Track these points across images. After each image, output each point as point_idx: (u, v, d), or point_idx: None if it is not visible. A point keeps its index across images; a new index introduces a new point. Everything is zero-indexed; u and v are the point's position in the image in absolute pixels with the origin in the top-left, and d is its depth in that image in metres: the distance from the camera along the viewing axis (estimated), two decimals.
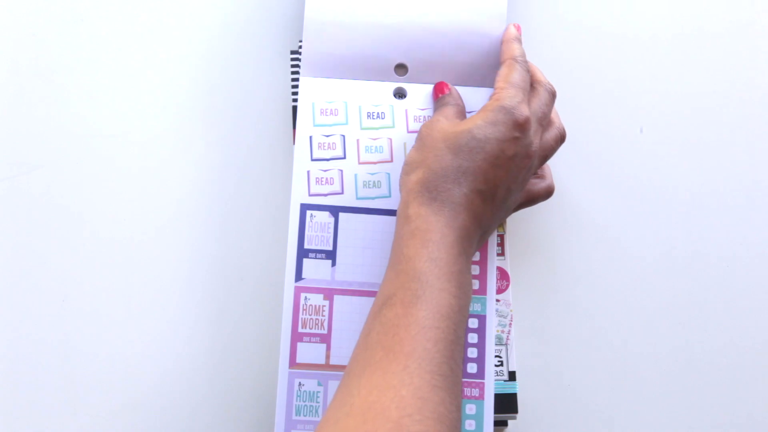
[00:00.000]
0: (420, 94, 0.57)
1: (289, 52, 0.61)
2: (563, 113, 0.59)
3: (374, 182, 0.55)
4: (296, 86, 0.58)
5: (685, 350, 0.60)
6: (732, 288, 0.61)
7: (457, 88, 0.56)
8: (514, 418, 0.56)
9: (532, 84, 0.54)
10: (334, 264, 0.54)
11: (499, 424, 0.57)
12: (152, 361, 0.59)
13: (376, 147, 0.55)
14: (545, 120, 0.53)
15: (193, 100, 0.61)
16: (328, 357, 0.52)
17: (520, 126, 0.49)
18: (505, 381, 0.56)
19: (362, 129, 0.56)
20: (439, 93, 0.56)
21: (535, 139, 0.51)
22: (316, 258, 0.54)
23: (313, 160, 0.55)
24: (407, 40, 0.57)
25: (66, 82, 0.61)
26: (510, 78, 0.52)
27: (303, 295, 0.53)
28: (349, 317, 0.53)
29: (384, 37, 0.57)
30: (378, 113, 0.56)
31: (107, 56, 0.62)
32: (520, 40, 0.55)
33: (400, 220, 0.49)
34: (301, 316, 0.53)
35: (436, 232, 0.47)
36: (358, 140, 0.56)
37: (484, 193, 0.49)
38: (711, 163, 0.62)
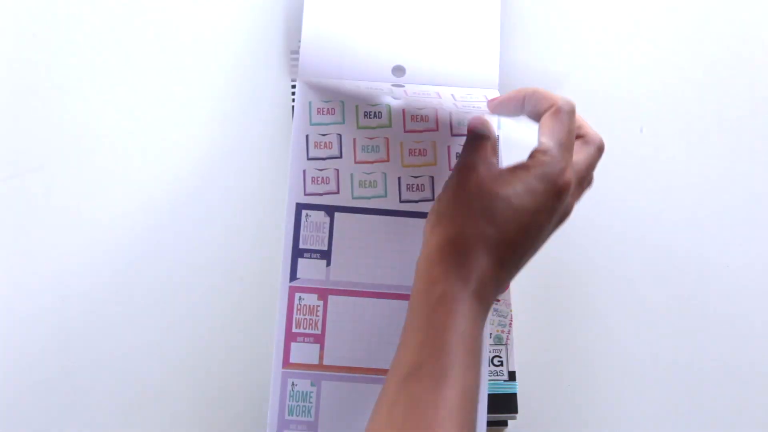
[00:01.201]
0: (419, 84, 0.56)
1: (289, 52, 0.61)
2: None
3: (370, 182, 0.55)
4: (296, 86, 0.58)
5: (685, 350, 0.60)
6: (732, 288, 0.61)
7: (455, 89, 0.56)
8: (514, 418, 0.56)
9: (580, 136, 0.50)
10: (329, 264, 0.54)
11: (499, 424, 0.57)
12: (148, 361, 0.59)
13: (372, 146, 0.55)
14: (588, 181, 0.49)
15: (193, 100, 0.61)
16: (321, 357, 0.52)
17: (560, 193, 0.46)
18: (505, 381, 0.56)
19: (359, 128, 0.56)
20: (474, 127, 0.51)
21: (573, 200, 0.48)
22: (311, 258, 0.54)
23: (309, 159, 0.55)
24: (405, 42, 0.57)
25: (66, 82, 0.61)
26: (556, 134, 0.46)
27: (297, 294, 0.53)
28: (343, 317, 0.53)
29: (382, 38, 0.57)
30: (375, 113, 0.56)
31: (107, 56, 0.62)
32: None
33: (423, 277, 0.47)
34: (295, 316, 0.53)
35: (464, 303, 0.45)
36: (354, 140, 0.56)
37: (509, 262, 0.46)
38: (711, 163, 0.62)
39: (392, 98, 0.56)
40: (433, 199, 0.54)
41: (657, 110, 0.63)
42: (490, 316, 0.55)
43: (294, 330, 0.53)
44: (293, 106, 0.57)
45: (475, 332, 0.45)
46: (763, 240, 0.62)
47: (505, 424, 0.57)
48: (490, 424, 0.54)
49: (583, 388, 0.60)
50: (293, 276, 0.53)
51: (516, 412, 0.56)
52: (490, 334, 0.56)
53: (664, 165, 0.62)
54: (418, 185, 0.55)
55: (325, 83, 0.56)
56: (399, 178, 0.55)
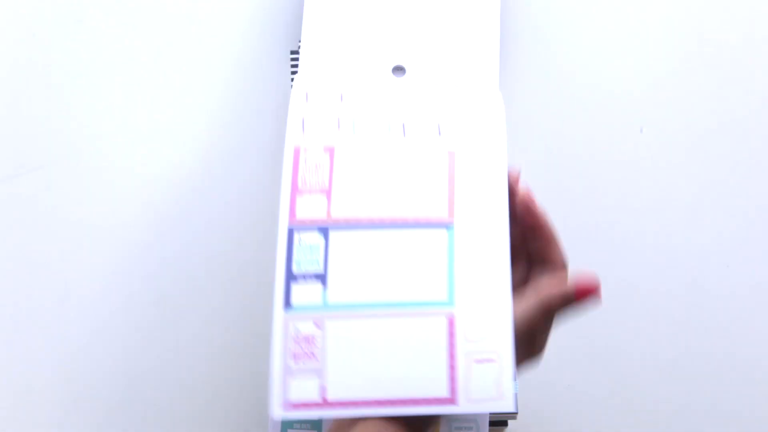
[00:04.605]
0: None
1: (289, 52, 0.62)
2: (564, 113, 0.59)
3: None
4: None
5: (685, 350, 0.60)
6: (732, 288, 0.61)
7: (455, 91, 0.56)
8: (514, 418, 0.56)
9: (540, 261, 0.48)
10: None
11: (499, 424, 0.57)
12: (149, 361, 0.59)
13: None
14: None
15: (193, 99, 0.62)
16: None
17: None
18: None
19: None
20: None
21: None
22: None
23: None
24: (405, 42, 0.57)
25: (66, 82, 0.61)
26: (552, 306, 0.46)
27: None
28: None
29: (382, 38, 0.57)
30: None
31: (107, 56, 0.62)
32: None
33: None
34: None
35: None
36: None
37: None
38: (711, 163, 0.62)
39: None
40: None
41: (657, 110, 0.63)
42: None
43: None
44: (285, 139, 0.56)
45: None
46: (763, 240, 0.62)
47: (505, 424, 0.57)
48: (490, 424, 0.54)
49: (583, 388, 0.60)
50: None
51: (516, 412, 0.56)
52: None
53: (664, 165, 0.62)
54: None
55: (324, 83, 0.56)
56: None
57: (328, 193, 0.49)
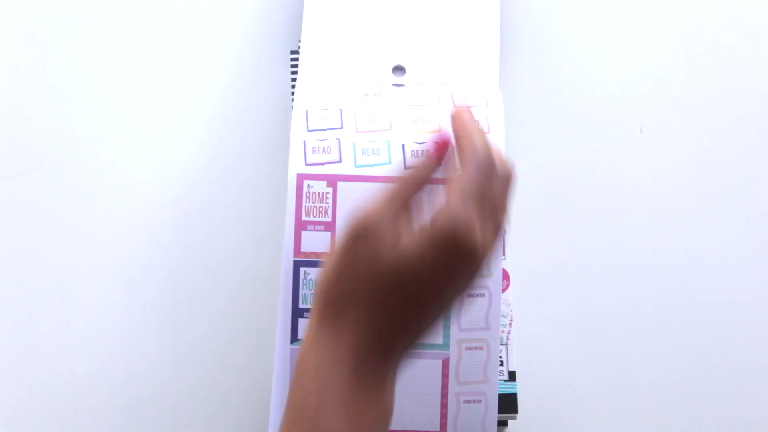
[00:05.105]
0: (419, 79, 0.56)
1: (289, 52, 0.62)
2: (564, 112, 0.59)
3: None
4: (296, 86, 0.58)
5: (685, 350, 0.60)
6: (732, 288, 0.61)
7: (455, 88, 0.56)
8: (514, 418, 0.56)
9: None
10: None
11: (499, 424, 0.57)
12: (151, 361, 0.59)
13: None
14: (502, 210, 0.43)
15: (193, 100, 0.62)
16: None
17: (467, 255, 0.40)
18: (505, 381, 0.56)
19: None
20: (439, 151, 0.45)
21: (484, 263, 0.41)
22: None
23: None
24: (405, 42, 0.57)
25: (66, 83, 0.61)
26: (460, 182, 0.41)
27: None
28: None
29: (382, 38, 0.57)
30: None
31: (107, 56, 0.62)
32: (473, 119, 0.45)
33: (300, 352, 0.41)
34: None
35: (338, 376, 0.40)
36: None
37: (399, 329, 0.41)
38: (711, 163, 0.62)
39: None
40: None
41: (657, 110, 0.63)
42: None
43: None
44: (293, 106, 0.57)
45: (352, 406, 0.39)
46: (763, 240, 0.62)
47: (505, 424, 0.57)
48: None
49: (583, 388, 0.60)
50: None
51: (516, 412, 0.56)
52: None
53: (664, 165, 0.62)
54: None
55: (325, 83, 0.56)
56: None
57: (332, 227, 0.51)
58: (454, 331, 0.52)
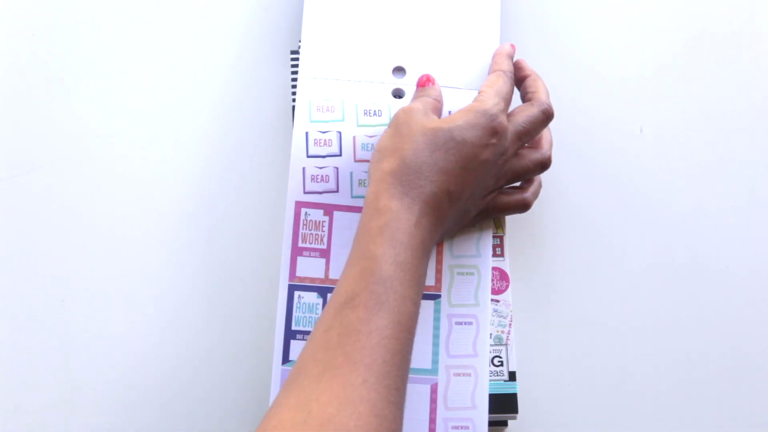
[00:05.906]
0: None
1: (289, 52, 0.62)
2: (564, 112, 0.59)
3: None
4: (296, 86, 0.58)
5: (684, 350, 0.60)
6: (731, 289, 0.61)
7: (451, 89, 0.56)
8: (515, 418, 0.56)
9: (528, 99, 0.55)
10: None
11: (499, 424, 0.57)
12: (150, 360, 0.59)
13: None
14: (528, 137, 0.53)
15: (193, 100, 0.62)
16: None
17: (497, 133, 0.50)
18: (505, 381, 0.56)
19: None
20: (423, 84, 0.55)
21: (511, 149, 0.52)
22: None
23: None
24: (405, 43, 0.57)
25: (66, 82, 0.61)
26: (495, 86, 0.52)
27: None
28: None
29: (382, 39, 0.57)
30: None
31: (107, 56, 0.62)
32: (511, 58, 0.56)
33: (368, 210, 0.48)
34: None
35: (405, 233, 0.47)
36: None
37: (452, 195, 0.49)
38: (711, 164, 0.62)
39: (393, 97, 0.56)
40: None
41: (657, 110, 0.63)
42: (491, 316, 0.55)
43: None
44: (293, 106, 0.57)
45: (416, 262, 0.47)
46: (762, 240, 0.62)
47: (505, 424, 0.57)
48: (490, 424, 0.54)
49: (583, 388, 0.60)
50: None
51: (516, 412, 0.56)
52: (491, 334, 0.56)
53: (664, 165, 0.62)
54: None
55: (326, 83, 0.56)
56: None
57: (326, 254, 0.53)
58: (443, 356, 0.53)
